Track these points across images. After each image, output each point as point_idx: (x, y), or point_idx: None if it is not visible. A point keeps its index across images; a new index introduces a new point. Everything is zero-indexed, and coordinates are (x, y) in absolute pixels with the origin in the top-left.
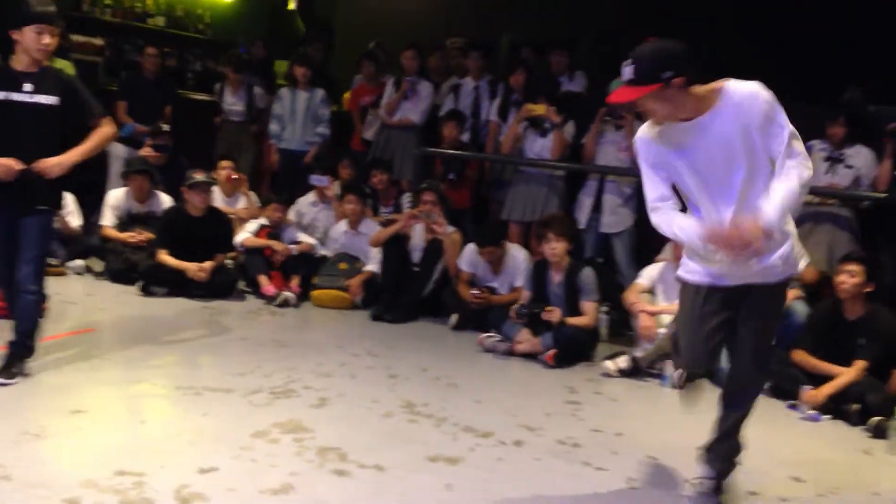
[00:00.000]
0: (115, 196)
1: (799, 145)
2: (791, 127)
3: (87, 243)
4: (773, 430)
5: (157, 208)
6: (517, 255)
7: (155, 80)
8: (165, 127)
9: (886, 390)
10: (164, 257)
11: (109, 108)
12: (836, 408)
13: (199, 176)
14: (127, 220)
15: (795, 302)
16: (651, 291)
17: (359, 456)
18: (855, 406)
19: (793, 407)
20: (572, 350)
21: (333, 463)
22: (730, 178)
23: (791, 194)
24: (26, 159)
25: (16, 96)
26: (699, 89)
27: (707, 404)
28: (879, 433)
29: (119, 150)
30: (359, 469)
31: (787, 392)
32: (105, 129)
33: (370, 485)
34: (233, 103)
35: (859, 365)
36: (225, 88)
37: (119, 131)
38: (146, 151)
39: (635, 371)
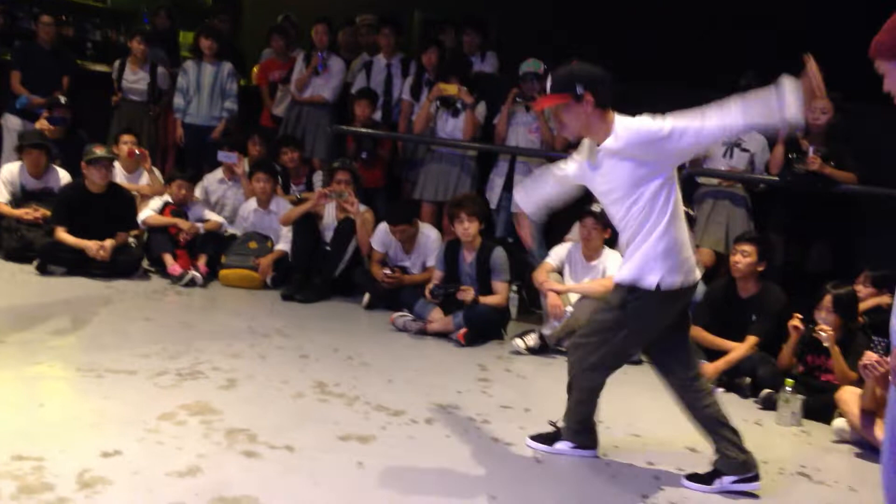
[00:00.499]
0: (9, 171)
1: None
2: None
3: None
4: (670, 402)
5: (53, 184)
6: (429, 235)
7: (51, 50)
8: (63, 99)
9: (776, 365)
10: (63, 235)
11: (2, 79)
12: (729, 381)
13: (99, 151)
14: (22, 197)
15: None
16: (559, 271)
17: (269, 437)
18: (746, 379)
19: None
20: (483, 329)
21: (242, 444)
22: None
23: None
24: None
25: None
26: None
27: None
28: (769, 405)
29: (13, 123)
30: (268, 450)
31: None
32: None
33: (280, 465)
34: (134, 81)
35: (751, 340)
36: (126, 65)
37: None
38: (42, 124)
39: (544, 348)
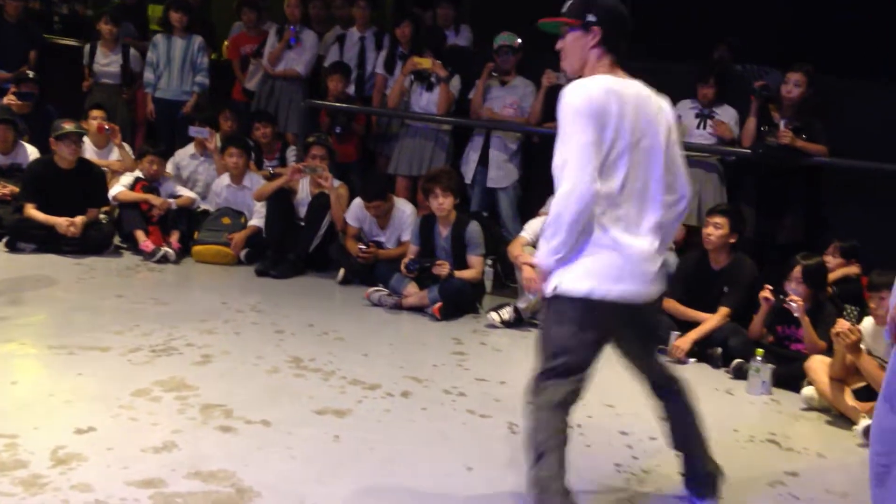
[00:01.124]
0: None
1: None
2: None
3: None
4: None
5: (22, 160)
6: (404, 210)
7: (17, 24)
8: (31, 74)
9: (747, 335)
10: (32, 212)
11: None
12: (701, 351)
13: (68, 126)
14: None
15: (666, 253)
16: (534, 245)
17: (244, 412)
18: (718, 350)
19: (662, 351)
20: (458, 303)
21: (218, 420)
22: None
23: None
24: None
25: None
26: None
27: None
28: (739, 374)
29: None
30: (244, 425)
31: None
32: None
33: (256, 439)
34: (106, 64)
35: (723, 311)
36: (97, 48)
37: None
38: (9, 100)
39: (518, 321)
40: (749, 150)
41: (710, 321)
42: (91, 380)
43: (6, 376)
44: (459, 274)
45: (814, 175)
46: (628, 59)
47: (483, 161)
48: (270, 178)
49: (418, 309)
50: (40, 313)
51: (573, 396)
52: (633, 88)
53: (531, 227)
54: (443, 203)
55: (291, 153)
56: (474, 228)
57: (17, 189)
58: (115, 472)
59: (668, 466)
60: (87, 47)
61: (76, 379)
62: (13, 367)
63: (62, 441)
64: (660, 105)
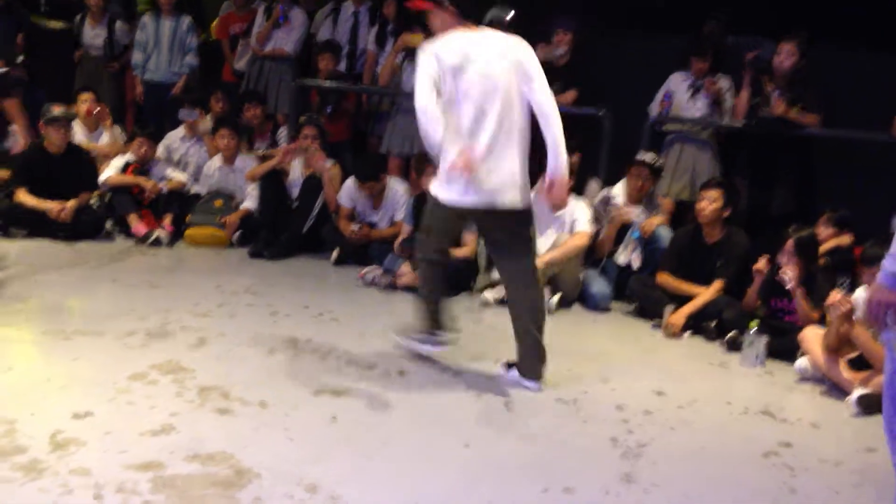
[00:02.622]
0: None
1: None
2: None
3: None
4: (638, 348)
5: (11, 145)
6: (397, 189)
7: (4, 7)
8: (19, 58)
9: (740, 307)
10: (23, 197)
11: None
12: (695, 324)
13: (57, 110)
14: None
15: (659, 227)
16: None
17: (241, 393)
18: (712, 323)
19: (657, 326)
20: (452, 281)
21: (215, 402)
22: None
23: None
24: None
25: None
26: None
27: (578, 330)
28: (734, 347)
29: None
30: (242, 406)
31: (651, 312)
32: None
33: (254, 421)
34: (93, 37)
35: (717, 285)
36: (85, 20)
37: None
38: None
39: None
40: (742, 123)
41: (704, 294)
42: (87, 364)
43: (1, 362)
44: (453, 252)
45: (806, 145)
46: (619, 31)
47: None
48: (262, 159)
49: (413, 288)
50: (34, 298)
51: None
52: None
53: None
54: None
55: (283, 134)
56: None
57: (7, 174)
58: (113, 456)
59: (664, 440)
60: (77, 19)
61: (72, 364)
62: (9, 353)
63: (60, 426)
64: (506, 49)
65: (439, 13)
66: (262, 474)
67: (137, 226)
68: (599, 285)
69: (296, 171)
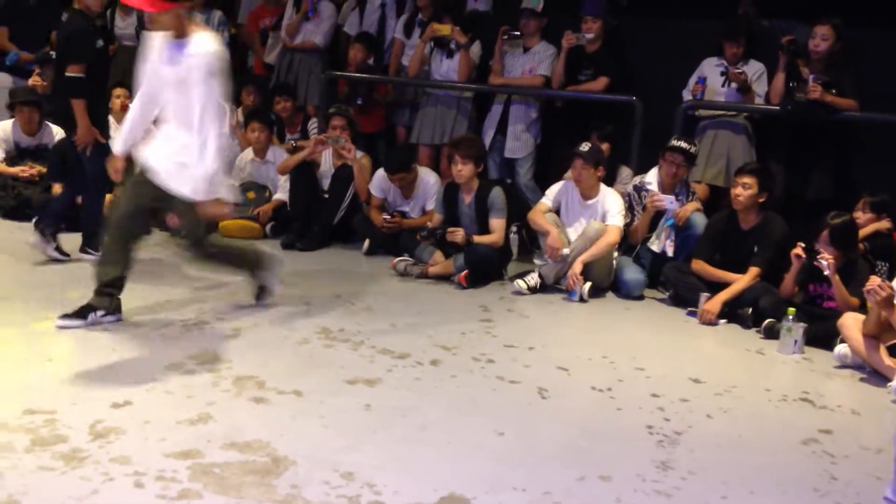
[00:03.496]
0: (2, 129)
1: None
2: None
3: None
4: (673, 335)
5: (47, 140)
6: (428, 179)
7: (38, 4)
8: (53, 54)
9: (778, 294)
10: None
11: None
12: (731, 312)
13: None
14: (16, 154)
15: (694, 214)
16: (556, 210)
17: (277, 383)
18: (748, 310)
19: (692, 314)
20: (483, 269)
21: (251, 391)
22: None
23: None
24: None
25: None
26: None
27: (611, 318)
28: (771, 334)
29: (4, 80)
30: (277, 395)
31: (686, 300)
32: None
33: (289, 410)
34: (124, 27)
35: (753, 271)
36: (116, 13)
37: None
38: (34, 81)
39: (543, 287)
40: (778, 107)
41: (740, 281)
42: (125, 355)
43: (42, 354)
44: (480, 239)
45: (843, 130)
46: (650, 17)
47: (501, 131)
48: (293, 151)
49: (444, 277)
50: (73, 291)
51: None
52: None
53: (551, 193)
54: (461, 170)
55: (313, 125)
56: (497, 193)
57: (44, 169)
58: (152, 445)
59: (701, 427)
60: (108, 12)
61: (110, 354)
62: (48, 345)
63: (100, 415)
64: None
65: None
66: (298, 462)
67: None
68: (633, 273)
69: (326, 163)
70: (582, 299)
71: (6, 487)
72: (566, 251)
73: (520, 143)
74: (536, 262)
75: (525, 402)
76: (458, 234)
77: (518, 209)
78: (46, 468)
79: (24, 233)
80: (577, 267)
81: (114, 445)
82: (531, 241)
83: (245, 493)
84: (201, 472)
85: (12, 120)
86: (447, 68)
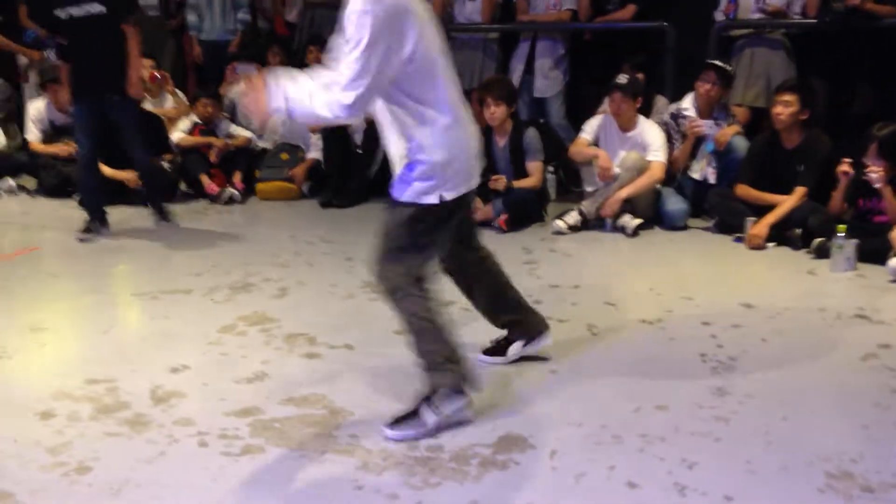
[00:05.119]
0: (36, 109)
1: (348, 71)
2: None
3: (14, 161)
4: (721, 263)
5: None
6: None
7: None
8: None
9: (826, 212)
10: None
11: (11, 13)
12: (779, 234)
13: None
14: (52, 133)
15: (735, 137)
16: (595, 144)
17: (327, 338)
18: (797, 231)
19: (739, 240)
20: (523, 212)
21: (303, 347)
22: None
23: (307, 94)
24: None
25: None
26: None
27: (656, 249)
28: (822, 254)
29: (25, 59)
30: (329, 350)
31: (731, 226)
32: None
33: (342, 363)
34: None
35: (800, 191)
36: None
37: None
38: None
39: (584, 225)
40: (815, 20)
41: (787, 202)
42: (178, 321)
43: (97, 325)
44: (518, 183)
45: (885, 38)
46: None
47: (529, 70)
48: None
49: (484, 223)
50: (120, 263)
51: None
52: None
53: (590, 126)
54: (494, 112)
55: None
56: (532, 134)
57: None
58: (213, 405)
59: (756, 351)
60: None
61: (164, 322)
62: (103, 316)
63: (159, 381)
64: None
65: None
66: (355, 412)
67: (210, 185)
68: (675, 202)
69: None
70: (624, 232)
71: (76, 455)
72: (617, 170)
73: (548, 82)
74: (585, 203)
75: (575, 340)
76: (500, 182)
77: (553, 149)
78: (113, 434)
79: (67, 209)
80: (622, 194)
81: (175, 409)
82: (569, 181)
83: (307, 445)
84: (262, 428)
85: (45, 99)
86: (470, 10)
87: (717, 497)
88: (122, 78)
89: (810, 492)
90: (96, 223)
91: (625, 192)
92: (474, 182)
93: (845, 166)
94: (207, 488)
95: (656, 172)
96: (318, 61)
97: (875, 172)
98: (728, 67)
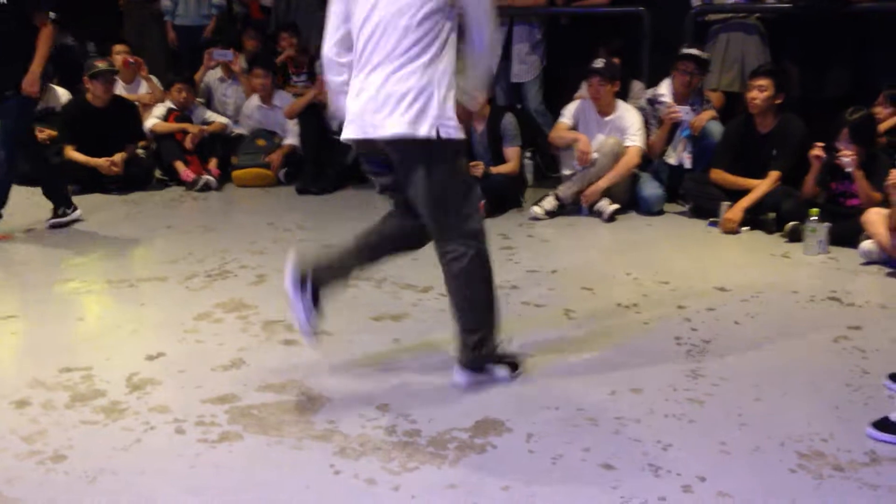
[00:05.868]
0: None
1: None
2: None
3: None
4: (695, 247)
5: (54, 104)
6: None
7: None
8: (53, 15)
9: (799, 196)
10: (73, 154)
11: None
12: (753, 218)
13: (100, 64)
14: None
15: (710, 122)
16: (574, 128)
17: None
18: (771, 215)
19: (713, 224)
20: (501, 198)
21: (280, 334)
22: None
23: None
24: None
25: None
26: None
27: (633, 235)
28: (795, 237)
29: None
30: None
31: (706, 211)
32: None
33: (319, 350)
34: None
35: (773, 175)
36: None
37: None
38: None
39: (561, 210)
40: (790, 4)
41: (761, 186)
42: (154, 309)
43: (72, 313)
44: (496, 169)
45: (860, 22)
46: None
47: (506, 55)
48: (299, 94)
49: None
50: (95, 251)
51: None
52: None
53: (569, 111)
54: None
55: (319, 66)
56: (509, 120)
57: (54, 133)
58: (189, 392)
59: (730, 334)
60: None
61: (139, 309)
62: (77, 305)
63: (135, 368)
64: None
65: None
66: (333, 398)
67: (185, 172)
68: (651, 188)
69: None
70: (601, 217)
71: (51, 443)
72: (595, 155)
73: (525, 67)
74: (561, 188)
75: (552, 325)
76: (478, 168)
77: (530, 135)
78: (88, 422)
79: (40, 197)
80: (602, 184)
81: (151, 396)
82: (546, 167)
83: (285, 431)
84: (240, 415)
85: None
86: None
87: (691, 477)
88: (20, 74)
89: (782, 471)
90: None
91: (604, 183)
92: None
93: (817, 151)
94: (185, 475)
95: (633, 157)
96: (291, 47)
97: (847, 156)
98: (704, 55)
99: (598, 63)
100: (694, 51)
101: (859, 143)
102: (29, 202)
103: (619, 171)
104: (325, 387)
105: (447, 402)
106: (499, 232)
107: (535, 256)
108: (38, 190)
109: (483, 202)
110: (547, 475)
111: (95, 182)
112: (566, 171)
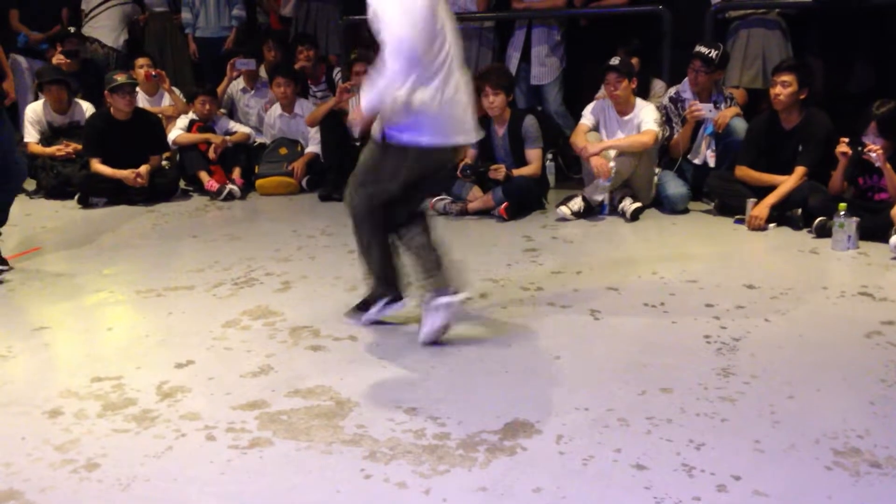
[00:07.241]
0: (33, 110)
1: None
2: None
3: None
4: (722, 245)
5: (79, 117)
6: None
7: None
8: (72, 29)
9: (827, 192)
10: (98, 166)
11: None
12: (780, 215)
13: (120, 77)
14: (50, 134)
15: (734, 119)
16: (595, 129)
17: (331, 330)
18: (798, 211)
19: (740, 221)
20: (523, 200)
21: (308, 340)
22: None
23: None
24: None
25: None
26: None
27: (658, 234)
28: (823, 233)
29: (20, 62)
30: (333, 342)
31: (732, 208)
32: None
33: (348, 354)
34: None
35: (799, 171)
36: None
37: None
38: (59, 59)
39: (588, 211)
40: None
41: (787, 183)
42: (182, 317)
43: (101, 324)
44: (518, 171)
45: (881, 15)
46: None
47: (525, 58)
48: (320, 102)
49: (485, 212)
50: (122, 262)
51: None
52: None
53: (589, 111)
54: (493, 101)
55: (338, 75)
56: (531, 122)
57: (79, 146)
58: (219, 399)
59: (760, 332)
60: None
61: (168, 318)
62: (106, 315)
63: (165, 377)
64: None
65: None
66: (361, 403)
67: (209, 182)
68: (675, 187)
69: (355, 110)
70: (623, 215)
71: (84, 452)
72: (612, 164)
73: (545, 69)
74: (587, 189)
75: (578, 325)
76: (500, 171)
77: (551, 136)
78: (120, 430)
79: (68, 210)
80: (608, 147)
81: (182, 403)
82: (568, 168)
83: (314, 436)
84: (269, 421)
85: (42, 101)
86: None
87: (726, 476)
88: None
89: (818, 469)
90: None
91: (610, 143)
92: None
93: (844, 146)
94: (216, 481)
95: (647, 136)
96: (309, 60)
97: (875, 151)
98: (712, 52)
99: (613, 60)
100: (702, 48)
101: (887, 136)
102: (56, 215)
103: (627, 140)
104: (353, 391)
105: (476, 404)
106: (523, 234)
107: (559, 258)
108: (65, 202)
109: (506, 205)
110: (578, 476)
111: (121, 194)
112: (595, 195)
